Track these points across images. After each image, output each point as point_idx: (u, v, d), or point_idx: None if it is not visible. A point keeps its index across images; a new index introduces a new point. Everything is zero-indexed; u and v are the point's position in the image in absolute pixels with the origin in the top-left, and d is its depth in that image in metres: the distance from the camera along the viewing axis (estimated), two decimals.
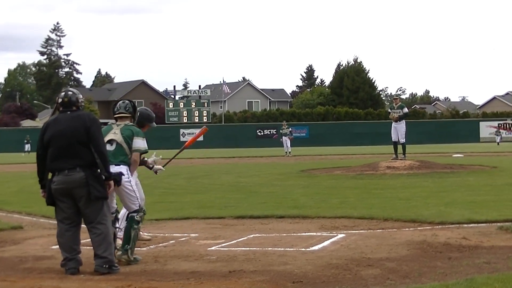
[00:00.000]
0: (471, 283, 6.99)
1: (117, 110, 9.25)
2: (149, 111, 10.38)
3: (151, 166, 10.67)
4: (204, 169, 30.61)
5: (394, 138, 25.49)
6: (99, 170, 8.17)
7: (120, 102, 9.36)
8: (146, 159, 10.53)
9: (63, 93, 8.41)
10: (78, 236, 8.41)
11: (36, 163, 8.34)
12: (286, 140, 45.29)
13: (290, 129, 47.59)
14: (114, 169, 8.59)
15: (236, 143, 74.71)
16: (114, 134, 9.02)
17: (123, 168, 8.85)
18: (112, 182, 8.33)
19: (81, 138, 8.11)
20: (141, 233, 10.67)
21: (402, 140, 25.32)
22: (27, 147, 65.92)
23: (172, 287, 7.44)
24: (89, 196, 8.08)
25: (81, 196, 8.11)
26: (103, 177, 8.22)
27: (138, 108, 9.91)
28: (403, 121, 25.38)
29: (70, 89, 8.59)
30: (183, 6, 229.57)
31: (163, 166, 10.87)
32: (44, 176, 8.33)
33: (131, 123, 9.23)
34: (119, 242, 8.99)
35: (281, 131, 46.49)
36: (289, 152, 44.80)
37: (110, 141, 8.94)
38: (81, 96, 8.46)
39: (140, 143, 9.08)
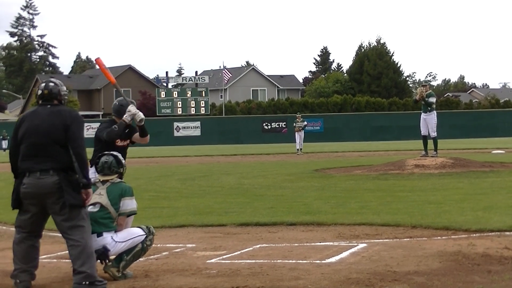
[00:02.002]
0: None
1: (100, 170, 9.15)
2: (118, 104, 10.48)
3: (133, 121, 10.49)
4: (202, 169, 30.64)
5: (423, 131, 25.48)
6: (77, 175, 8.16)
7: (103, 158, 9.22)
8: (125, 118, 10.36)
9: (43, 84, 8.44)
10: (38, 248, 8.45)
11: (10, 161, 8.37)
12: (300, 135, 44.90)
13: (306, 122, 47.06)
14: (95, 241, 8.58)
15: (239, 138, 74.76)
16: (100, 195, 8.88)
17: (107, 238, 8.80)
18: (90, 191, 8.31)
19: (59, 137, 8.10)
20: None
21: (433, 134, 25.31)
22: (4, 143, 66.14)
23: None
24: (63, 203, 8.06)
25: (53, 203, 8.10)
26: (80, 184, 8.20)
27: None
28: (434, 112, 25.33)
29: (52, 79, 8.59)
30: None
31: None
32: (18, 174, 8.34)
33: (119, 180, 9.20)
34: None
35: (295, 124, 45.91)
36: (301, 149, 44.54)
37: (94, 204, 8.82)
38: (64, 88, 8.48)
39: (129, 204, 9.02)
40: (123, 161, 9.35)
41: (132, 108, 10.25)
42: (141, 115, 10.26)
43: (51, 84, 8.41)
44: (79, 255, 8.10)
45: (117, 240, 8.87)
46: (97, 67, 9.76)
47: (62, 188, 8.03)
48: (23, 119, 8.33)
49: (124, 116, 10.25)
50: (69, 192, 8.05)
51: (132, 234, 9.03)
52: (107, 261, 8.80)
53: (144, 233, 9.09)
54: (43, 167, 8.07)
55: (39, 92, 8.37)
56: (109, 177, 9.13)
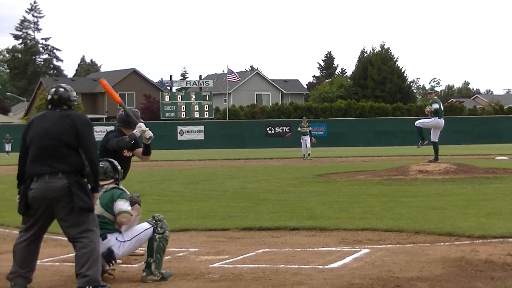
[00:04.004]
0: None
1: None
2: (125, 114, 10.58)
3: (145, 137, 10.50)
4: (205, 173, 30.64)
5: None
6: (85, 179, 8.17)
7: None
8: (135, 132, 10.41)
9: (53, 89, 8.47)
10: (38, 252, 8.48)
11: (18, 164, 8.36)
12: (306, 140, 44.10)
13: (311, 127, 46.20)
14: (101, 245, 8.62)
15: (242, 142, 74.77)
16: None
17: (111, 240, 8.82)
18: (96, 195, 8.34)
19: (69, 140, 8.13)
20: None
21: (431, 139, 25.29)
22: (8, 147, 66.22)
23: None
24: (72, 207, 8.06)
25: (62, 206, 8.10)
26: (90, 187, 8.22)
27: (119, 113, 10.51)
28: (435, 118, 25.27)
29: (62, 85, 8.62)
30: None
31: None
32: (24, 179, 8.35)
33: (112, 186, 9.22)
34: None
35: (299, 129, 45.12)
36: (309, 154, 43.88)
37: None
38: (74, 94, 8.52)
39: (120, 205, 9.00)
40: (119, 167, 9.40)
41: (142, 125, 10.34)
42: (150, 133, 10.34)
43: (61, 89, 8.42)
44: (87, 259, 8.09)
45: (122, 240, 8.90)
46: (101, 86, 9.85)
47: (71, 192, 8.03)
48: (32, 123, 8.35)
49: (135, 130, 10.29)
50: (79, 196, 8.04)
51: (137, 230, 9.04)
52: (114, 262, 8.81)
53: (150, 225, 9.07)
54: (52, 170, 8.06)
55: (49, 97, 8.39)
56: (104, 182, 9.15)
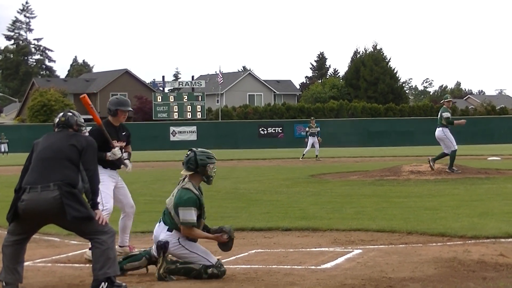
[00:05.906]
0: None
1: (184, 163, 9.38)
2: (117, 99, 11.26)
3: (123, 159, 10.87)
4: None
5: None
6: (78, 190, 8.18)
7: (188, 152, 9.41)
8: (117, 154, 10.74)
9: (61, 113, 8.71)
10: (25, 248, 8.50)
11: (20, 176, 8.36)
12: (314, 141, 43.22)
13: (319, 128, 45.04)
14: (164, 233, 9.10)
15: (235, 143, 74.78)
16: (172, 196, 9.25)
17: (173, 237, 9.00)
18: (99, 211, 8.35)
19: (71, 154, 8.23)
20: (127, 248, 10.74)
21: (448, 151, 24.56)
22: (3, 147, 66.27)
23: None
24: (66, 217, 8.05)
25: (58, 218, 8.11)
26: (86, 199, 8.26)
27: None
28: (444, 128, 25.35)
29: (71, 110, 8.86)
30: None
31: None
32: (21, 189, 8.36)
33: (187, 186, 9.23)
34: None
35: (307, 129, 44.30)
36: (316, 156, 43.10)
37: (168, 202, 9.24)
38: (81, 120, 8.72)
39: (186, 215, 9.04)
40: (202, 160, 9.32)
41: (116, 151, 10.73)
42: (118, 155, 10.74)
43: (69, 113, 8.67)
44: (100, 256, 8.16)
45: (182, 244, 9.03)
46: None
47: (62, 202, 8.01)
48: (38, 142, 8.48)
49: (109, 155, 10.66)
50: (71, 206, 8.01)
51: (202, 252, 9.09)
52: (162, 255, 8.93)
53: (211, 263, 9.01)
54: (45, 181, 8.05)
55: (56, 120, 8.60)
56: (186, 172, 9.29)
